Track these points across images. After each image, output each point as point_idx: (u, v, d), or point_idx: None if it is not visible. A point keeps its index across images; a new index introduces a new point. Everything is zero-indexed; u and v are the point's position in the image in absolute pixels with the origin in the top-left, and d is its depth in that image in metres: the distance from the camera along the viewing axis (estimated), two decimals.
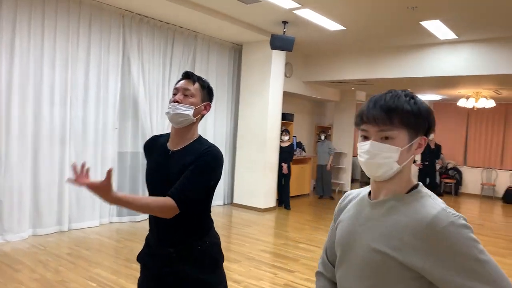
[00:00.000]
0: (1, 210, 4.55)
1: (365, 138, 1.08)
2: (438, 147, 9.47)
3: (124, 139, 5.81)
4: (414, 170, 9.21)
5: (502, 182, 10.47)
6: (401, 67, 7.26)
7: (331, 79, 8.24)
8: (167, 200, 1.56)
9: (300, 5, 5.31)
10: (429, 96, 10.36)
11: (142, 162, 5.96)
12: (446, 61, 6.81)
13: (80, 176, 1.42)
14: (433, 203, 1.01)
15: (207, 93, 1.78)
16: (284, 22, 6.15)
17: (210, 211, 1.80)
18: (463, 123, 11.06)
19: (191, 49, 6.67)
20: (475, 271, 0.91)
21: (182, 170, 1.64)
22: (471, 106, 8.85)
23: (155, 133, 6.00)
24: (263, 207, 7.11)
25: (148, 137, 6.31)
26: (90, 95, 5.31)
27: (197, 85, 1.73)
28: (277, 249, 4.95)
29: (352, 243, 1.12)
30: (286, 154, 7.59)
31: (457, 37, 6.42)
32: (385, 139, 1.04)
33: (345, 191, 8.31)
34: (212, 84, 1.83)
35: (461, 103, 8.93)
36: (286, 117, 8.40)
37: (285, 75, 7.64)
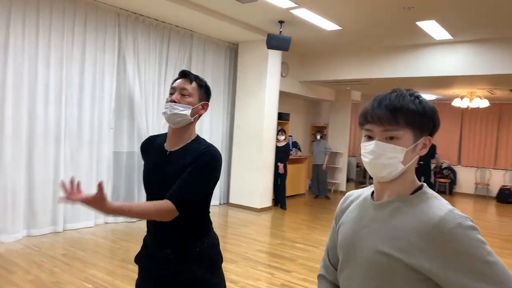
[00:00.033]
0: None
1: (369, 138, 1.07)
2: (433, 147, 9.52)
3: (119, 138, 5.77)
4: None
5: (495, 181, 10.54)
6: (397, 67, 7.28)
7: (327, 79, 8.24)
8: (165, 204, 1.54)
9: (296, 5, 5.30)
10: (424, 96, 10.39)
11: (138, 162, 5.92)
12: (441, 61, 6.84)
13: (71, 192, 1.37)
14: (440, 204, 1.00)
15: (205, 92, 1.75)
16: (281, 22, 6.14)
17: (209, 212, 1.78)
18: (458, 123, 11.13)
19: (187, 48, 6.64)
20: (483, 272, 0.91)
21: (180, 171, 1.62)
22: (465, 106, 8.90)
23: (151, 133, 5.97)
24: (259, 207, 7.10)
25: (144, 137, 6.29)
26: (85, 94, 5.27)
27: (194, 84, 1.70)
28: (273, 249, 4.94)
29: (356, 245, 1.10)
30: (282, 154, 7.58)
31: (452, 38, 6.45)
32: (390, 139, 1.03)
33: (341, 191, 8.35)
34: (208, 84, 1.80)
35: (456, 103, 8.98)
36: (282, 117, 8.40)
37: (281, 75, 7.63)
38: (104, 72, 5.47)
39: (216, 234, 1.80)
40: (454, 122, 11.15)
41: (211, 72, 7.05)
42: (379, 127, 1.03)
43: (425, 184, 1.11)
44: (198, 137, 1.75)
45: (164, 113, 1.67)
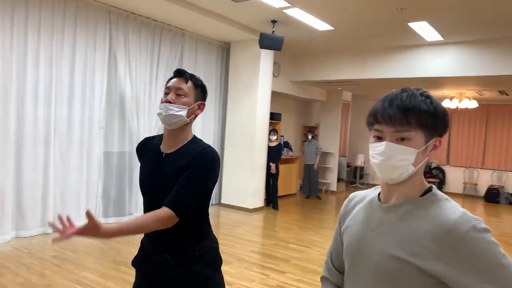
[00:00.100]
0: None
1: (379, 138, 1.04)
2: None
3: (110, 138, 5.69)
4: None
5: (483, 181, 10.70)
6: (388, 67, 7.32)
7: (318, 79, 8.26)
8: (164, 212, 1.49)
9: (290, 4, 5.29)
10: None
11: (129, 162, 5.85)
12: (432, 62, 6.91)
13: (64, 229, 1.29)
14: (452, 207, 0.99)
15: (201, 91, 1.70)
16: (273, 21, 6.12)
17: (208, 215, 1.75)
18: None
19: (179, 47, 6.58)
20: (498, 276, 0.90)
21: (177, 173, 1.58)
22: (454, 107, 9.00)
23: (142, 132, 5.90)
24: (251, 207, 7.08)
25: (135, 137, 6.19)
26: (76, 93, 5.18)
27: (190, 83, 1.65)
28: (267, 249, 4.92)
29: (364, 250, 1.07)
30: (274, 154, 7.57)
31: (443, 39, 6.51)
32: (401, 140, 1.00)
33: (332, 191, 8.37)
34: None
35: (445, 103, 9.07)
36: (274, 117, 8.39)
37: (273, 75, 7.62)
38: (95, 71, 5.38)
39: (215, 237, 1.77)
40: None
41: (203, 71, 7.00)
42: (390, 127, 1.01)
43: (434, 186, 1.09)
44: (195, 137, 1.71)
45: (159, 114, 1.62)
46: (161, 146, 1.70)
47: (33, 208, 4.81)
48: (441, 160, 11.31)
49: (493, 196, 10.06)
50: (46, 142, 4.89)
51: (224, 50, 7.54)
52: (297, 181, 9.54)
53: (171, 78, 1.68)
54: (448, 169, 11.20)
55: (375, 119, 1.04)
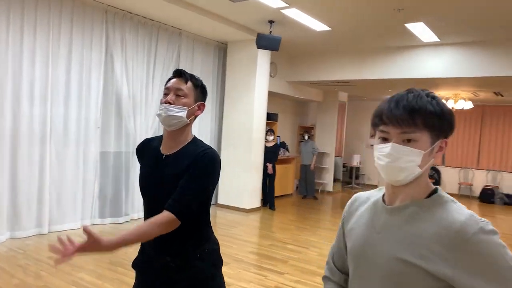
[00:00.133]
0: None
1: (384, 139, 1.03)
2: None
3: (107, 138, 5.65)
4: None
5: (478, 181, 10.76)
6: (384, 68, 7.34)
7: (315, 79, 8.26)
8: (165, 216, 1.48)
9: (287, 5, 5.28)
10: None
11: (125, 162, 5.81)
12: (428, 63, 6.94)
13: (65, 249, 1.26)
14: (458, 209, 0.98)
15: (201, 92, 1.69)
16: (271, 22, 6.11)
17: (209, 217, 1.74)
18: None
19: (176, 46, 6.56)
20: (506, 278, 0.89)
21: (178, 175, 1.56)
22: (450, 108, 9.04)
23: (139, 132, 5.87)
24: (248, 207, 7.06)
25: (131, 137, 6.16)
26: (72, 92, 5.14)
27: (189, 84, 1.64)
28: (264, 250, 4.91)
29: (369, 253, 1.06)
30: (271, 154, 7.57)
31: (439, 40, 6.54)
32: (407, 141, 0.99)
33: (328, 191, 8.38)
34: None
35: None
36: (271, 117, 8.38)
37: (270, 75, 7.61)
38: (91, 70, 5.35)
39: (216, 239, 1.76)
40: None
41: (199, 71, 6.97)
42: (396, 128, 0.99)
43: (439, 188, 1.08)
44: (195, 138, 1.69)
45: (159, 115, 1.60)
46: (161, 148, 1.68)
47: (28, 208, 4.77)
48: (436, 160, 11.32)
49: (488, 196, 10.12)
50: (42, 142, 4.84)
51: (221, 50, 7.52)
52: (294, 182, 9.54)
53: (170, 79, 1.66)
54: (443, 170, 11.26)
55: (380, 120, 1.03)
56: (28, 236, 4.75)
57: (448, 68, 6.77)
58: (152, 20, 6.07)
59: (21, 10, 4.58)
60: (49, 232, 4.96)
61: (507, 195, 10.09)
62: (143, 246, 1.75)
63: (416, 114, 0.98)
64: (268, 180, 7.62)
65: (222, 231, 5.67)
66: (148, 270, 1.68)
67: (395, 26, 5.94)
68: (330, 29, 6.27)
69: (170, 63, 6.43)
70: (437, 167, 11.25)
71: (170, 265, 1.61)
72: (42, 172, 4.86)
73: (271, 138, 7.63)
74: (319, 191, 10.02)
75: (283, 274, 4.07)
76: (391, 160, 1.00)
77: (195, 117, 1.68)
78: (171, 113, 1.57)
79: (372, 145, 1.08)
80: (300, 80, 8.53)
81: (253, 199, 7.19)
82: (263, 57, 7.06)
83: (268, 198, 7.64)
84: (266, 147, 7.49)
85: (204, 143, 1.67)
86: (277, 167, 7.95)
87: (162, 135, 1.72)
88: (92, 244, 1.31)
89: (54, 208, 5.04)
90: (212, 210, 7.02)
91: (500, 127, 10.64)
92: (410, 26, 5.87)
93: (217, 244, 1.75)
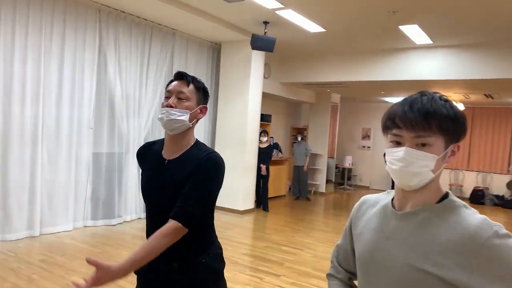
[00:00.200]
0: None
1: (397, 143, 1.01)
2: None
3: (99, 139, 5.58)
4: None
5: (469, 182, 10.88)
6: (377, 70, 7.38)
7: (308, 80, 8.27)
8: (171, 226, 1.45)
9: (283, 6, 5.27)
10: (401, 99, 10.61)
11: (118, 163, 5.74)
12: (420, 65, 6.99)
13: None
14: (471, 214, 0.97)
15: (203, 94, 1.65)
16: (265, 23, 6.10)
17: (213, 222, 1.72)
18: None
19: (169, 47, 6.51)
20: None
21: (181, 181, 1.53)
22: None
23: (132, 133, 5.81)
24: (241, 209, 7.04)
25: (124, 137, 6.09)
26: (64, 93, 5.06)
27: (191, 86, 1.59)
28: (260, 252, 4.88)
29: (378, 258, 1.04)
30: (264, 155, 7.55)
31: (432, 42, 6.59)
32: (422, 145, 0.97)
33: (321, 192, 8.38)
34: None
35: None
36: (264, 118, 8.37)
37: (264, 76, 7.60)
38: (84, 70, 5.28)
39: (219, 243, 1.74)
40: None
41: (193, 71, 6.93)
42: (410, 132, 0.97)
43: (450, 192, 1.07)
44: (197, 142, 1.66)
45: (161, 119, 1.56)
46: (162, 152, 1.64)
47: (19, 210, 4.68)
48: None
49: (478, 197, 10.24)
50: (33, 142, 4.76)
51: (215, 50, 7.49)
52: (287, 183, 9.54)
53: (171, 81, 1.62)
54: None
55: (393, 123, 1.01)
56: (19, 239, 4.67)
57: (440, 71, 6.83)
58: (146, 20, 6.02)
59: (13, 9, 4.50)
60: (40, 234, 4.88)
61: (497, 196, 10.22)
62: None
63: (431, 117, 0.96)
64: (261, 181, 7.60)
65: (217, 233, 5.60)
66: (150, 275, 1.66)
67: (389, 28, 5.97)
68: (325, 30, 6.28)
69: (164, 63, 6.38)
70: None
71: (174, 270, 1.59)
72: (34, 173, 4.78)
73: (264, 139, 7.61)
74: (312, 192, 10.03)
75: (279, 276, 4.05)
76: (405, 164, 0.98)
77: (197, 120, 1.64)
78: (173, 117, 1.53)
79: (384, 154, 1.06)
80: (293, 81, 8.53)
81: (247, 200, 7.16)
82: (257, 58, 7.04)
83: (262, 199, 7.62)
84: (259, 148, 7.47)
85: (207, 147, 1.65)
86: (270, 168, 7.93)
87: (163, 139, 1.68)
88: (104, 274, 1.29)
89: (45, 209, 4.95)
90: None
91: (490, 129, 10.77)
92: (404, 28, 5.90)
93: (220, 249, 1.73)
